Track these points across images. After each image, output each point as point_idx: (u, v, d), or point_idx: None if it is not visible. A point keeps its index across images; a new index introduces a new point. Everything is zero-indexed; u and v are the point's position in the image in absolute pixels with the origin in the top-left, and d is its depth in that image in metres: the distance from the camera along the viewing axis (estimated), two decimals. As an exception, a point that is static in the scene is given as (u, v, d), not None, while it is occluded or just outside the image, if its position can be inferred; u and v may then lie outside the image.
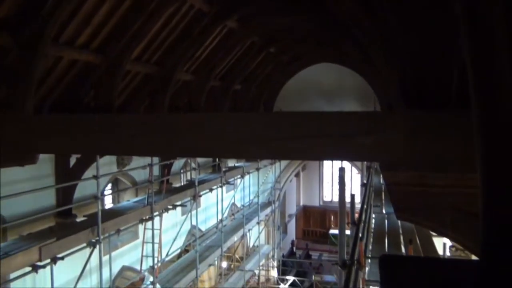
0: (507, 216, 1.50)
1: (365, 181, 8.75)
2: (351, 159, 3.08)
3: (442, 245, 8.33)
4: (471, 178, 2.66)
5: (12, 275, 7.34)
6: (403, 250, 7.59)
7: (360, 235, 4.85)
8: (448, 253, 8.87)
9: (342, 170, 4.85)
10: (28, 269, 7.23)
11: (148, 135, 3.61)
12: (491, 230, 1.51)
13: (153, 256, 10.60)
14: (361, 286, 4.51)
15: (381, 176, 13.03)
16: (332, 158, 2.85)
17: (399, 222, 9.25)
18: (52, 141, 4.42)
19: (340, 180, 4.88)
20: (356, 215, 7.07)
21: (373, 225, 8.71)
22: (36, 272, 7.16)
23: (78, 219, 9.28)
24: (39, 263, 7.14)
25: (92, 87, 9.31)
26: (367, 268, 5.68)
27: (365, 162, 10.50)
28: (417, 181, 3.33)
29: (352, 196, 5.45)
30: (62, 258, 7.55)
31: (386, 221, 9.19)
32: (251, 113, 11.78)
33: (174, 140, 3.60)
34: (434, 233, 8.52)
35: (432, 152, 3.10)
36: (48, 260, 7.48)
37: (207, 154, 3.61)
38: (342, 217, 4.20)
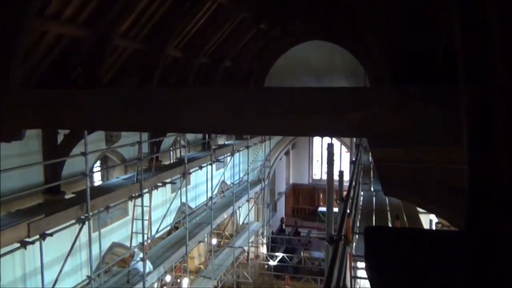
0: (492, 189, 1.52)
1: (354, 159, 8.81)
2: (339, 135, 3.09)
3: (428, 221, 8.48)
4: (457, 153, 2.68)
5: (0, 251, 7.34)
6: (389, 225, 7.70)
7: (348, 211, 4.90)
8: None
9: (330, 146, 4.86)
10: (17, 245, 7.22)
11: (139, 110, 3.57)
12: (476, 203, 1.53)
13: (142, 233, 10.63)
14: (348, 261, 4.58)
15: (370, 153, 13.10)
16: (320, 134, 2.84)
17: (386, 199, 9.37)
18: (39, 116, 4.36)
19: (328, 156, 4.90)
20: (345, 193, 7.12)
21: (361, 202, 8.80)
22: (25, 248, 7.16)
23: (67, 196, 9.25)
24: (27, 239, 7.13)
25: (79, 63, 9.15)
26: (354, 244, 5.77)
27: (354, 140, 10.56)
28: (404, 157, 3.36)
29: (341, 173, 5.46)
30: (51, 235, 7.55)
31: (374, 198, 9.29)
32: (240, 89, 11.70)
33: (165, 115, 3.56)
34: (420, 209, 8.66)
35: (419, 127, 3.11)
36: (37, 237, 7.47)
37: (196, 130, 3.58)
38: (330, 193, 4.23)
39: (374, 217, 7.97)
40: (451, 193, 2.98)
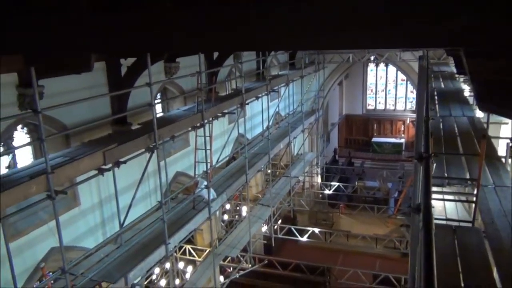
0: None
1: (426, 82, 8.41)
2: (436, 45, 2.86)
3: (505, 145, 8.08)
4: None
5: (78, 179, 7.80)
6: (460, 150, 7.45)
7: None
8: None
9: (421, 58, 4.58)
10: (93, 173, 7.63)
11: (216, 29, 3.44)
12: None
13: (206, 162, 10.94)
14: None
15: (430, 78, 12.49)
16: (415, 45, 2.63)
17: (455, 124, 9.00)
18: (109, 42, 4.33)
19: (420, 70, 4.65)
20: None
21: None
22: (102, 174, 7.55)
23: (133, 127, 9.58)
24: (104, 167, 7.50)
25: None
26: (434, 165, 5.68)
27: (422, 63, 10.02)
28: (504, 69, 3.11)
29: (425, 93, 5.07)
30: (124, 162, 7.90)
31: (441, 124, 8.96)
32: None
33: (245, 33, 3.42)
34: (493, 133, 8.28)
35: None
36: (110, 165, 7.84)
37: (278, 47, 3.42)
38: (421, 110, 4.02)
39: (443, 141, 7.72)
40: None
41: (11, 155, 8.14)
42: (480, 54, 2.96)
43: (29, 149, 8.54)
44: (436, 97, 11.38)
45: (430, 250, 1.87)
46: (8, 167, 8.10)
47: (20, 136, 8.38)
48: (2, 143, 7.79)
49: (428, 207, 2.52)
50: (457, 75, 14.36)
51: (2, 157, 7.85)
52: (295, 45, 3.35)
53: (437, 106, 10.60)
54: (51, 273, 7.63)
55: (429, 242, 1.99)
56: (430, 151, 3.62)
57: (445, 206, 7.17)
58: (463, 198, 7.12)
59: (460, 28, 2.81)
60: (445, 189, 6.59)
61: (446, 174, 6.15)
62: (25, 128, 8.45)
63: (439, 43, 2.88)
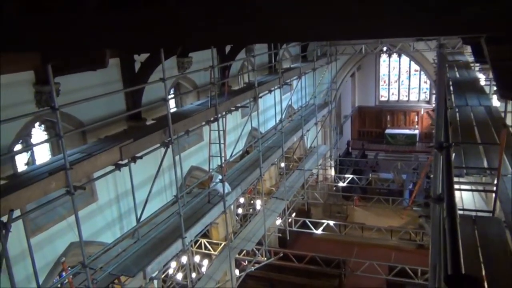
0: None
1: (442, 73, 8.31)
2: (456, 33, 2.81)
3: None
4: None
5: (95, 174, 7.88)
6: (478, 139, 7.37)
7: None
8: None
9: (441, 46, 4.54)
10: (110, 168, 7.70)
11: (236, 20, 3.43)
12: None
13: (220, 156, 10.98)
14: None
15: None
16: (436, 33, 2.59)
17: (471, 114, 8.90)
18: (121, 39, 4.34)
19: (438, 58, 4.60)
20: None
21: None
22: (120, 170, 7.63)
23: (148, 122, 9.63)
24: (121, 162, 7.57)
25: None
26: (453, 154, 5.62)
27: (442, 51, 9.90)
28: (526, 56, 3.06)
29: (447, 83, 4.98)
30: (141, 157, 7.96)
31: (457, 114, 8.87)
32: None
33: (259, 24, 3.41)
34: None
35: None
36: (126, 160, 7.90)
37: (298, 38, 3.40)
38: (441, 99, 3.98)
39: (459, 131, 7.64)
40: None
41: (29, 152, 8.26)
42: (503, 41, 2.92)
43: (46, 146, 8.65)
44: (451, 87, 11.25)
45: (456, 239, 1.86)
46: (27, 164, 8.22)
47: (38, 133, 8.49)
48: (21, 141, 7.90)
49: (451, 196, 2.50)
50: (472, 64, 14.18)
51: (21, 154, 7.99)
52: (305, 36, 3.33)
53: (452, 96, 10.48)
54: (70, 268, 7.75)
55: (454, 231, 1.98)
56: (450, 140, 3.60)
57: (462, 197, 7.10)
58: (481, 188, 7.04)
59: (481, 14, 2.77)
60: (462, 179, 6.54)
61: (464, 164, 6.09)
62: (42, 126, 8.56)
63: (453, 32, 2.84)
